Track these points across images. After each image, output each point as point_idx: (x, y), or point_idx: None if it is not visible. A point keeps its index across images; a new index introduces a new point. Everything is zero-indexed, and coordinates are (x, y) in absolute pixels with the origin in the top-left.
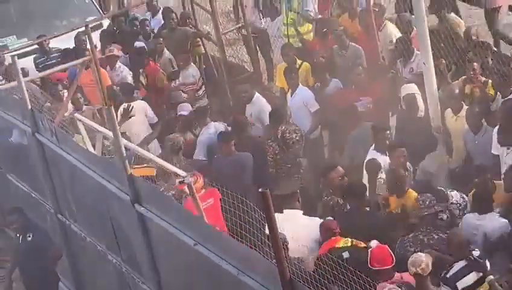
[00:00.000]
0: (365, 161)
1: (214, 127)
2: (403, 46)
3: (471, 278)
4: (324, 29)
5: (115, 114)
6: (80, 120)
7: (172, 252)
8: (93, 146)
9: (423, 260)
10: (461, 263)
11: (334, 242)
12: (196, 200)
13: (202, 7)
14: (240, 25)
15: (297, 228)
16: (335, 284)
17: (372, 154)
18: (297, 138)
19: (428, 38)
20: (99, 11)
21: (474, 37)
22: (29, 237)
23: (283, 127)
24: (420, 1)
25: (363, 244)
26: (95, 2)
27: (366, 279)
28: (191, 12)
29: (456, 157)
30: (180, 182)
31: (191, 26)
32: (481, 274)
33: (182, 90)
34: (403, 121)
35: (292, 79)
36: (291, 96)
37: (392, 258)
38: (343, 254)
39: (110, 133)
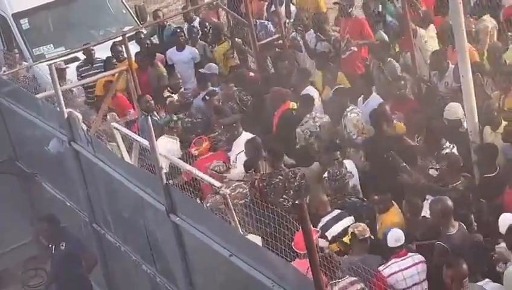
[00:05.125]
0: None
1: None
2: (438, 59)
3: (339, 227)
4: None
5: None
6: (116, 129)
7: (207, 262)
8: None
9: (361, 224)
10: (328, 216)
11: (287, 105)
12: (231, 211)
13: (239, 18)
14: (277, 36)
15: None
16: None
17: None
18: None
19: (467, 50)
20: (136, 21)
21: None
22: (62, 246)
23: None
24: (459, 9)
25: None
26: (132, 12)
27: None
28: (224, 24)
29: None
30: (215, 193)
31: (225, 37)
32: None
33: None
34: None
35: (366, 86)
36: (363, 102)
37: None
38: (293, 112)
39: (146, 143)
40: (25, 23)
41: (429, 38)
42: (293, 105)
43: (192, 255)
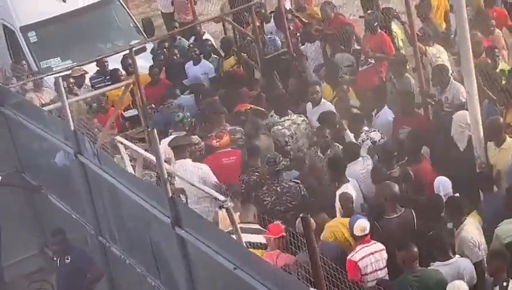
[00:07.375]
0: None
1: None
2: (439, 73)
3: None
4: None
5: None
6: (120, 142)
7: (212, 275)
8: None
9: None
10: None
11: (241, 107)
12: (235, 223)
13: (245, 32)
14: (281, 50)
15: (188, 174)
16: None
17: None
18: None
19: (472, 63)
20: (143, 34)
21: None
22: (68, 259)
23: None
24: (464, 21)
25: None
26: (139, 26)
27: None
28: (231, 38)
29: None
30: (220, 207)
31: (233, 52)
32: None
33: None
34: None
35: (378, 99)
36: (375, 115)
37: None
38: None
39: (152, 157)
40: (32, 36)
41: (440, 53)
42: (246, 107)
43: (197, 268)
